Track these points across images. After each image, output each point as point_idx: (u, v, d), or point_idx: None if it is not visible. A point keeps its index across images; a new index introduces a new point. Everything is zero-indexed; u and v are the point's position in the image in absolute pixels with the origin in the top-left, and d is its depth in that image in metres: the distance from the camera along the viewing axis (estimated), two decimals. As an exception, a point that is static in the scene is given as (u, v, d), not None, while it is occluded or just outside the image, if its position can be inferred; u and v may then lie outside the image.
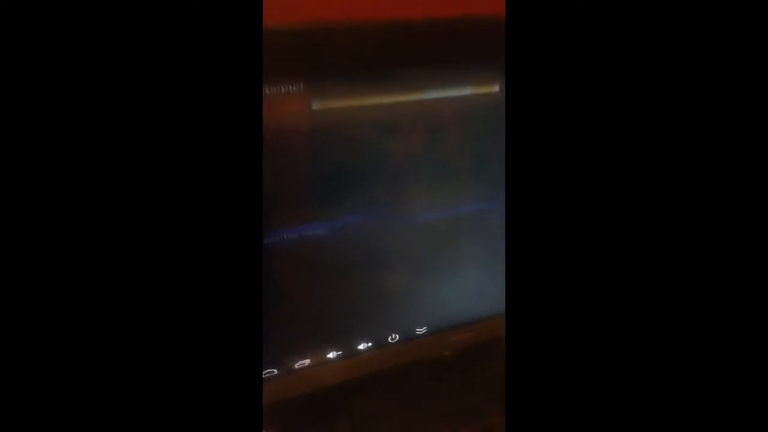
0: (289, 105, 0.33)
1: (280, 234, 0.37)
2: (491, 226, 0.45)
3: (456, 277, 0.47)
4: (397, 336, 0.47)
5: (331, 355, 0.44)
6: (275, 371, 0.42)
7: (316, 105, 0.34)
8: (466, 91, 0.38)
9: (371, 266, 0.43)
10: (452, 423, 0.49)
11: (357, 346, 0.46)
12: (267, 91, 0.33)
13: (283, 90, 0.33)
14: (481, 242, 0.46)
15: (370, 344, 0.46)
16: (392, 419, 0.49)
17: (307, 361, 0.44)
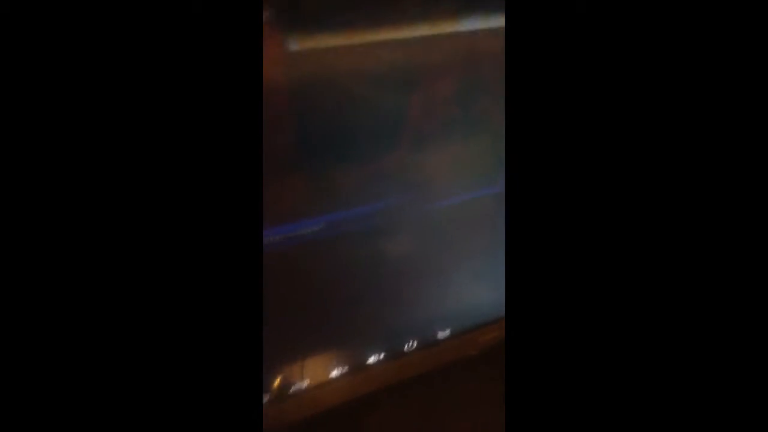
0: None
1: (265, 235, 0.32)
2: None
3: (483, 268, 0.43)
4: (415, 342, 0.44)
5: (335, 372, 0.41)
6: (272, 395, 0.39)
7: (294, 45, 0.26)
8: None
9: (378, 266, 0.38)
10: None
11: (367, 359, 0.42)
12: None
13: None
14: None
15: (382, 355, 0.43)
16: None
17: (306, 382, 0.40)
